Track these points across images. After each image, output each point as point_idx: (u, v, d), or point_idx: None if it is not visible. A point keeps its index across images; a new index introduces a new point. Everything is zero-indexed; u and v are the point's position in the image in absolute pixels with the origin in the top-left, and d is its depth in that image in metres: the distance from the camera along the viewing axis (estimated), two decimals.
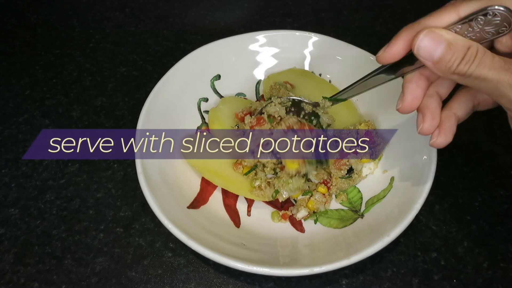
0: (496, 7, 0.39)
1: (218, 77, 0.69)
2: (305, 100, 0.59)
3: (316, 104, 0.58)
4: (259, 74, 0.71)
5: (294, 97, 0.59)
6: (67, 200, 0.60)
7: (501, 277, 0.53)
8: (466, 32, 0.41)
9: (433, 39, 0.41)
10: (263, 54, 0.71)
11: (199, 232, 0.50)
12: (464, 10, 0.42)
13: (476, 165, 0.64)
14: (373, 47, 0.77)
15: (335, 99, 0.57)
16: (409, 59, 0.45)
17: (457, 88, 0.50)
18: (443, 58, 0.41)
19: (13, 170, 0.63)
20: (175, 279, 0.53)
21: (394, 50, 0.45)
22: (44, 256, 0.55)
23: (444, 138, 0.47)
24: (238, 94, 0.70)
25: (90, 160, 0.64)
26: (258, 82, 0.71)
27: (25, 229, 0.57)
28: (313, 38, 0.70)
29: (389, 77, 0.49)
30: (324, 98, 0.57)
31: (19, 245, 0.56)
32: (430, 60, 0.41)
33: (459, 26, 0.41)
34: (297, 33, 0.70)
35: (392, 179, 0.58)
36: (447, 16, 0.43)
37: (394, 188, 0.57)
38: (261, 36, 0.70)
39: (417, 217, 0.51)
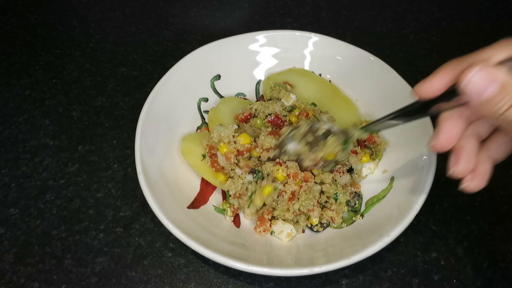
0: None
1: (218, 77, 0.69)
2: (334, 129, 0.55)
3: (345, 132, 0.55)
4: (259, 74, 0.71)
5: (324, 126, 0.55)
6: (67, 200, 0.60)
7: (501, 277, 0.53)
8: None
9: (486, 76, 0.37)
10: (263, 54, 0.71)
11: (199, 232, 0.50)
12: None
13: None
14: (373, 47, 0.78)
15: (368, 129, 0.52)
16: (448, 96, 0.41)
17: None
18: (493, 99, 0.37)
19: (13, 170, 0.63)
20: (175, 279, 0.53)
21: (436, 84, 0.41)
22: (44, 256, 0.55)
23: (478, 183, 0.43)
24: (238, 94, 0.70)
25: (90, 160, 0.65)
26: (258, 82, 0.71)
27: (25, 229, 0.57)
28: (313, 38, 0.70)
29: (423, 114, 0.45)
30: (355, 127, 0.54)
31: (19, 245, 0.56)
32: (477, 98, 0.37)
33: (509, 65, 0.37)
34: (297, 33, 0.70)
35: (392, 179, 0.58)
36: (496, 55, 0.39)
37: (394, 188, 0.57)
38: (261, 36, 0.70)
39: (417, 217, 0.51)
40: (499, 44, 0.39)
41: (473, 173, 0.44)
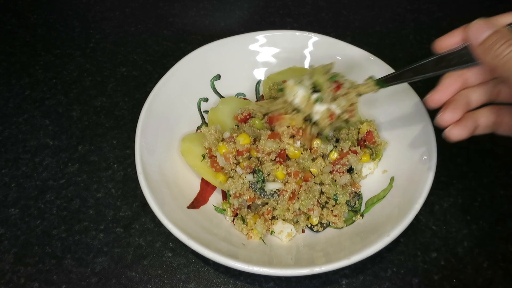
0: None
1: (218, 77, 0.69)
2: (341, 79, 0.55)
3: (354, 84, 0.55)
4: (259, 74, 0.71)
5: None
6: (67, 200, 0.60)
7: (501, 277, 0.53)
8: None
9: (484, 24, 0.45)
10: (263, 54, 0.71)
11: (199, 232, 0.50)
12: None
13: (476, 165, 0.64)
14: (373, 47, 0.78)
15: (381, 81, 0.54)
16: (460, 55, 0.47)
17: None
18: (488, 39, 0.43)
19: (13, 170, 0.63)
20: (175, 279, 0.53)
21: (453, 37, 0.48)
22: (44, 256, 0.55)
23: (460, 129, 0.48)
24: (238, 94, 0.70)
25: (90, 160, 0.65)
26: (258, 82, 0.71)
27: (25, 229, 0.57)
28: (313, 38, 0.70)
29: (437, 68, 0.50)
30: (370, 78, 0.54)
31: (19, 245, 0.56)
32: (476, 40, 0.45)
33: None
34: (297, 33, 0.70)
35: (392, 179, 0.58)
36: (504, 19, 0.46)
37: (394, 188, 0.57)
38: (261, 36, 0.70)
39: (417, 217, 0.51)
40: (510, 13, 0.47)
41: (457, 122, 0.48)
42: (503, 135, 0.51)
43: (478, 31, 0.45)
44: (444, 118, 0.48)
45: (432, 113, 0.67)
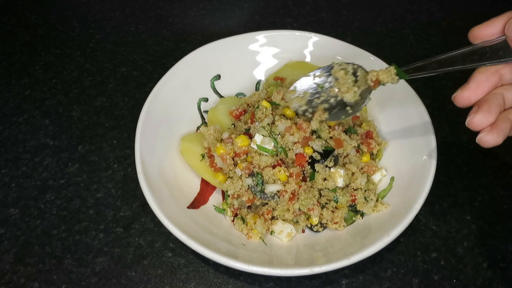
0: None
1: (218, 77, 0.69)
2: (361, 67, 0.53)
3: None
4: (259, 74, 0.71)
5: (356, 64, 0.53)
6: (67, 200, 0.60)
7: (501, 277, 0.53)
8: None
9: None
10: (263, 54, 0.71)
11: (199, 232, 0.50)
12: None
13: (476, 165, 0.64)
14: (373, 47, 0.78)
15: (402, 72, 0.49)
16: (495, 49, 0.43)
17: None
18: None
19: (13, 170, 0.63)
20: (175, 279, 0.53)
21: (492, 27, 0.43)
22: (44, 256, 0.55)
23: (496, 136, 0.42)
24: (238, 94, 0.70)
25: (90, 160, 0.65)
26: (258, 82, 0.71)
27: (25, 229, 0.57)
28: (313, 38, 0.70)
29: (466, 61, 0.44)
30: (393, 66, 0.51)
31: (19, 245, 0.56)
32: None
33: None
34: (297, 33, 0.70)
35: (392, 179, 0.58)
36: None
37: (394, 188, 0.57)
38: (261, 36, 0.70)
39: (417, 217, 0.51)
40: None
41: (491, 126, 0.43)
42: None
43: None
44: (476, 121, 0.43)
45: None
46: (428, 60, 0.47)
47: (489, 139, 0.43)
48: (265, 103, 0.57)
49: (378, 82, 0.51)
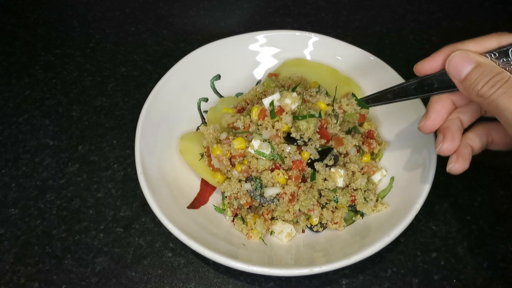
0: None
1: (218, 77, 0.69)
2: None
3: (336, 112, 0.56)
4: (259, 74, 0.71)
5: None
6: (67, 200, 0.60)
7: (501, 277, 0.53)
8: (501, 62, 0.43)
9: (464, 58, 0.44)
10: (263, 54, 0.71)
11: (199, 232, 0.50)
12: (506, 40, 0.44)
13: (476, 165, 0.64)
14: (373, 47, 0.78)
15: (362, 102, 0.56)
16: (441, 80, 0.48)
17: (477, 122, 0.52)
18: (470, 77, 0.43)
19: (13, 170, 0.63)
20: (175, 279, 0.53)
21: (433, 62, 0.48)
22: (44, 256, 0.55)
23: (462, 164, 0.48)
24: (238, 94, 0.70)
25: (90, 160, 0.65)
26: (258, 82, 0.71)
27: (25, 229, 0.57)
28: (313, 38, 0.70)
29: (418, 92, 0.50)
30: (353, 97, 0.56)
31: (19, 245, 0.56)
32: (458, 78, 0.44)
33: (496, 54, 0.44)
34: (297, 33, 0.70)
35: (392, 179, 0.58)
36: (488, 42, 0.45)
37: (394, 188, 0.57)
38: (261, 36, 0.70)
39: (417, 217, 0.51)
40: (493, 35, 0.46)
41: (456, 153, 0.48)
42: (495, 150, 0.53)
43: (458, 66, 0.44)
44: (445, 149, 0.48)
45: None
46: (384, 92, 0.53)
47: (457, 167, 0.48)
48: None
49: (344, 112, 0.57)
